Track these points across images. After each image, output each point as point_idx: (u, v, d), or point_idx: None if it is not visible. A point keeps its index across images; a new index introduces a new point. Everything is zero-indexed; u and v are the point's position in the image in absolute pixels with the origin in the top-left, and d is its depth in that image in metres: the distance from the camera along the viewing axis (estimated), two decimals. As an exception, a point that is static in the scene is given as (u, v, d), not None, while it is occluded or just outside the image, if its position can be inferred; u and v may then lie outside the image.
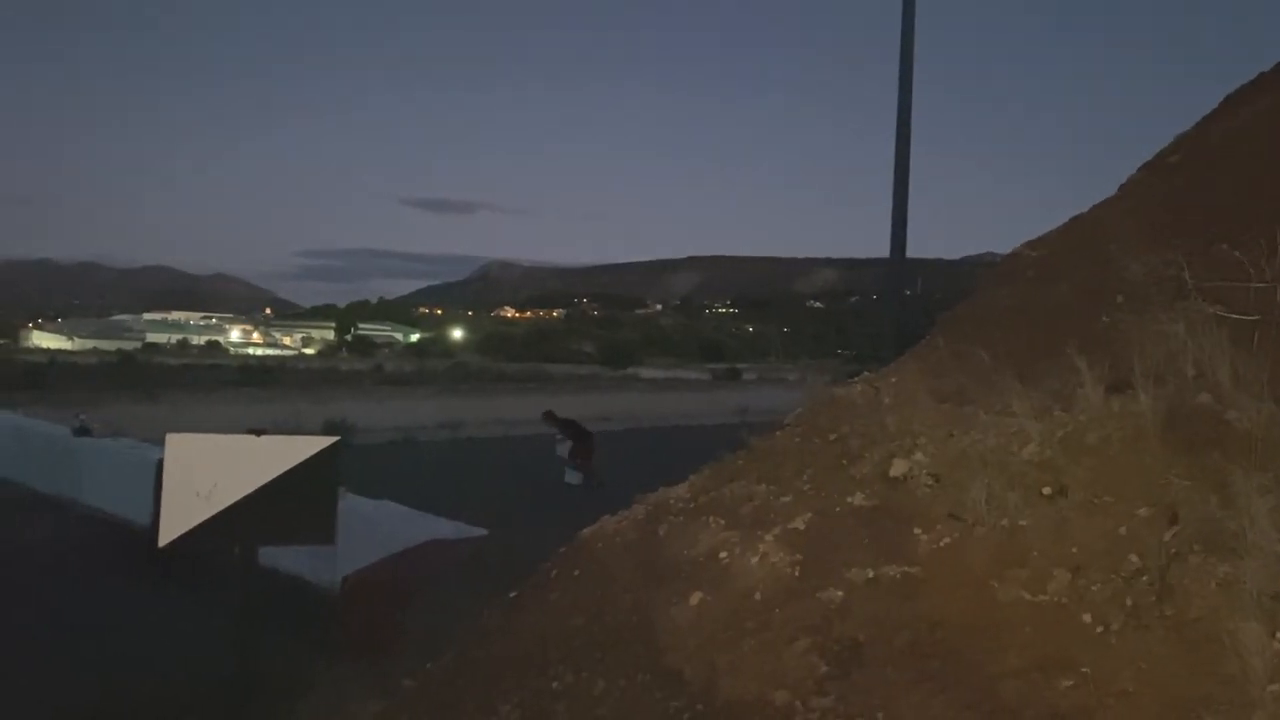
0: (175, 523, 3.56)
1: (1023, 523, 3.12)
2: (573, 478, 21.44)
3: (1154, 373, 3.21)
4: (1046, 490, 3.17)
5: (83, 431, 24.75)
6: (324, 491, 3.75)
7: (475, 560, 10.59)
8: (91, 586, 14.37)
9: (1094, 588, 2.84)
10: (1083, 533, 2.99)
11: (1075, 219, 4.62)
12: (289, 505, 3.68)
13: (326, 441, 3.78)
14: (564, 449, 20.45)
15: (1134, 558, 2.84)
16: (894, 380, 4.32)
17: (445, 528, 14.85)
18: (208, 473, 3.58)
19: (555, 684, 3.87)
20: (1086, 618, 2.79)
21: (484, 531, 14.08)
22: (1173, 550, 2.78)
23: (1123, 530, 2.93)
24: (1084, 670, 2.67)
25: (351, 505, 15.35)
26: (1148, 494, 2.98)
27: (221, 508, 3.58)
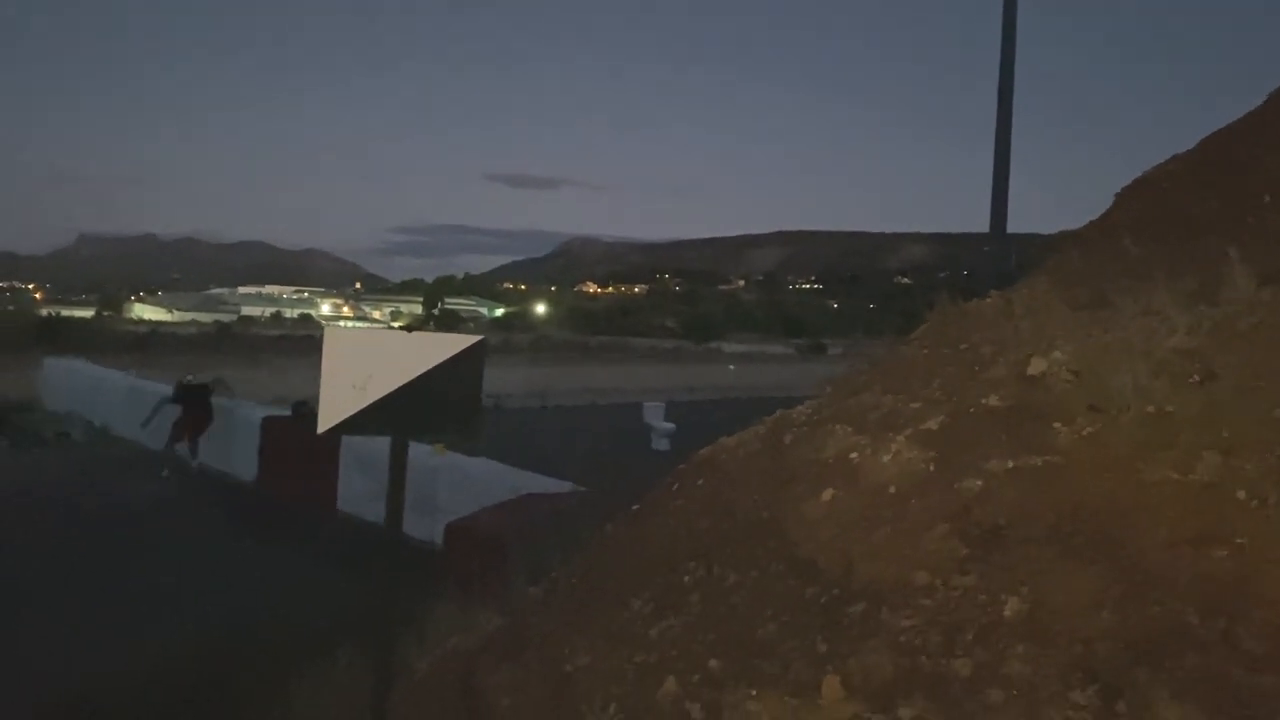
0: (332, 411, 3.76)
1: (1170, 409, 3.12)
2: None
3: (1308, 263, 3.18)
4: (1195, 377, 3.16)
5: (190, 391, 25.69)
6: (470, 387, 3.91)
7: (574, 511, 10.84)
8: (204, 537, 15.09)
9: (1247, 467, 2.84)
10: (1234, 416, 2.99)
11: (1213, 135, 4.53)
12: (438, 399, 3.85)
13: (473, 339, 3.95)
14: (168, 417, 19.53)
15: (1290, 436, 2.84)
16: (1025, 292, 4.32)
17: (543, 483, 15.17)
18: (362, 366, 3.77)
19: (687, 578, 4.00)
20: (1240, 494, 2.79)
21: (581, 487, 14.34)
22: (1333, 426, 2.77)
23: (1277, 413, 2.92)
24: (1239, 541, 2.68)
25: (451, 462, 15.78)
26: (1303, 378, 2.96)
27: (374, 399, 3.77)
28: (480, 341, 3.94)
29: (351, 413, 3.76)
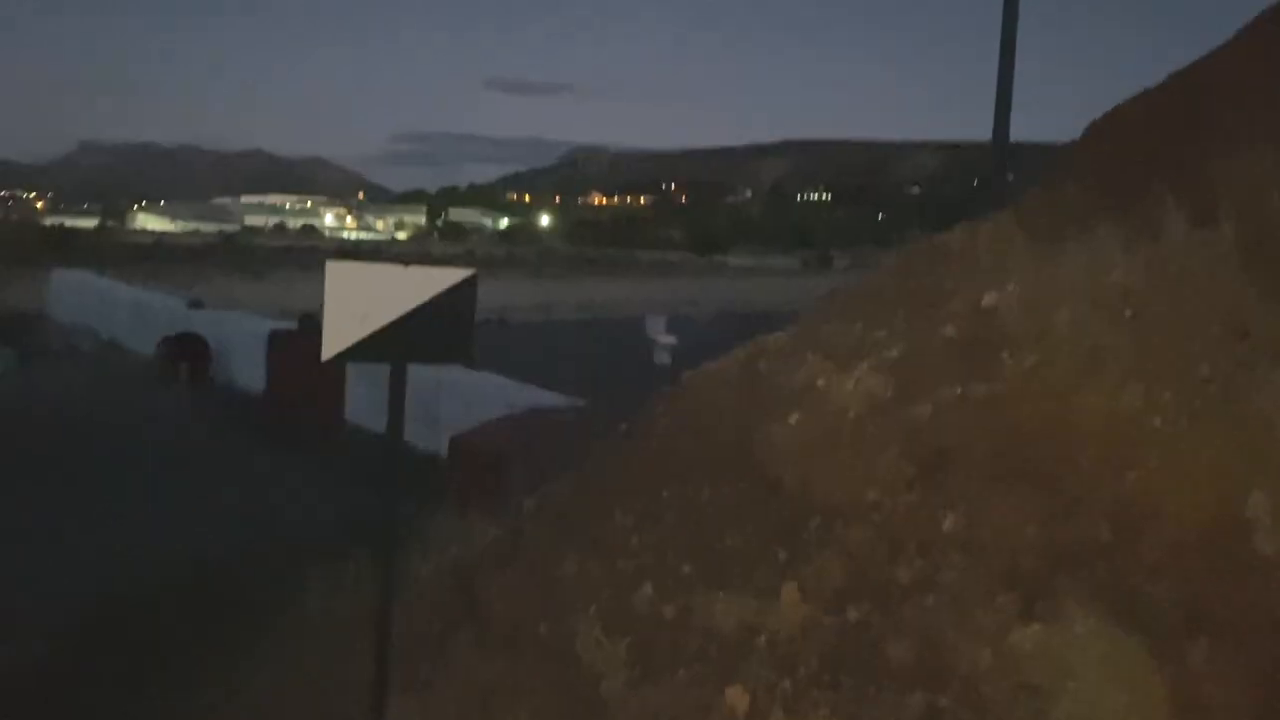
0: (336, 340, 4.05)
1: (1104, 343, 3.39)
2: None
3: (1240, 206, 3.40)
4: (1128, 313, 3.42)
5: (196, 305, 26.12)
6: (464, 317, 4.19)
7: (574, 425, 11.23)
8: (218, 446, 15.57)
9: (1166, 396, 3.12)
10: (1159, 350, 3.26)
11: (1177, 74, 4.68)
12: (435, 328, 4.14)
13: (465, 273, 4.22)
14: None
15: (1205, 369, 3.11)
16: (990, 226, 4.54)
17: (545, 397, 15.54)
18: (363, 297, 4.05)
19: (666, 494, 4.33)
20: (1157, 421, 3.08)
21: (581, 401, 14.72)
22: (1240, 361, 3.04)
23: (1197, 346, 3.19)
24: (1150, 464, 2.98)
25: (455, 376, 16.19)
26: (1224, 315, 3.22)
27: (376, 328, 4.06)
28: (472, 275, 4.21)
29: (353, 341, 4.05)
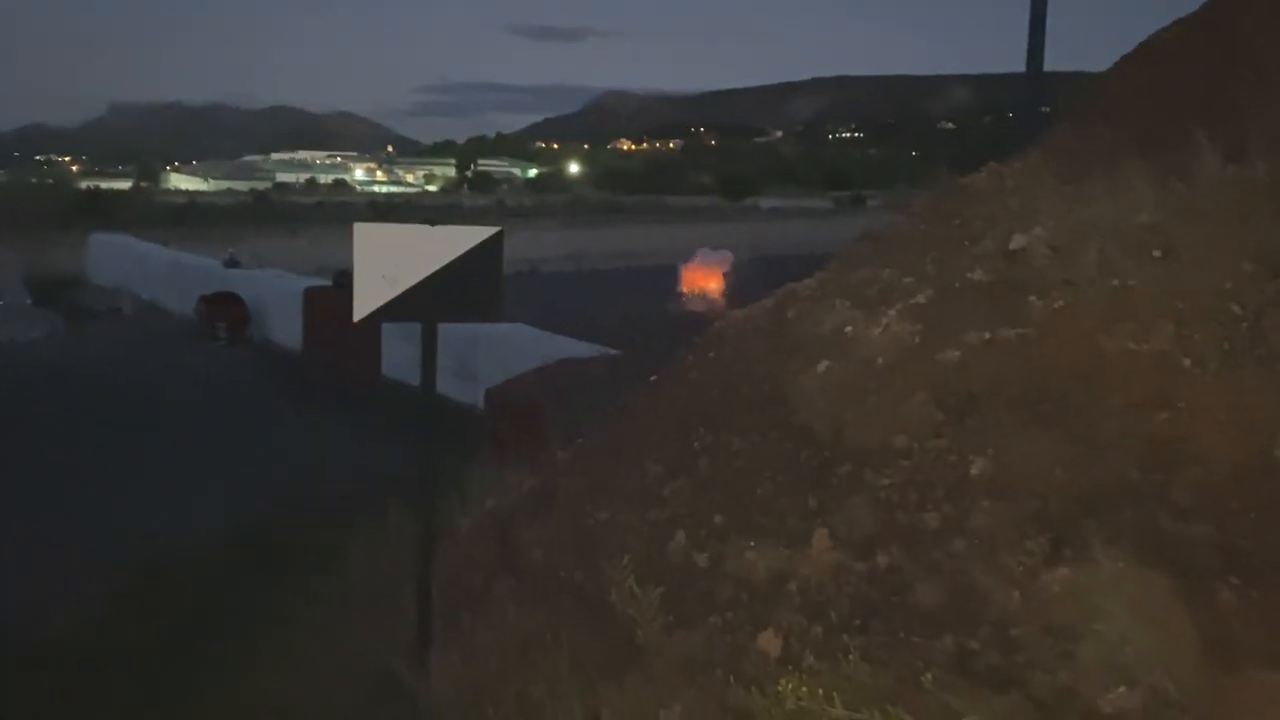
0: (365, 302, 4.10)
1: (1132, 283, 3.35)
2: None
3: (1274, 141, 3.33)
4: (1157, 253, 3.38)
5: (232, 264, 26.46)
6: (491, 274, 4.22)
7: (604, 376, 11.29)
8: (255, 403, 15.84)
9: (1195, 336, 3.09)
10: (1189, 289, 3.22)
11: (1211, 3, 4.57)
12: (462, 285, 4.17)
13: (491, 231, 4.24)
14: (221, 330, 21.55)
15: (1235, 308, 3.07)
16: (1018, 166, 4.48)
17: (579, 348, 15.63)
18: (391, 258, 4.09)
19: (696, 444, 4.37)
20: (1186, 362, 3.06)
21: (616, 351, 14.83)
22: (1272, 299, 3.00)
23: (1228, 285, 3.15)
24: (1180, 405, 2.96)
25: (490, 328, 16.32)
26: (1255, 252, 3.17)
27: (404, 289, 4.10)
28: (498, 233, 4.22)
29: (383, 302, 4.10)
